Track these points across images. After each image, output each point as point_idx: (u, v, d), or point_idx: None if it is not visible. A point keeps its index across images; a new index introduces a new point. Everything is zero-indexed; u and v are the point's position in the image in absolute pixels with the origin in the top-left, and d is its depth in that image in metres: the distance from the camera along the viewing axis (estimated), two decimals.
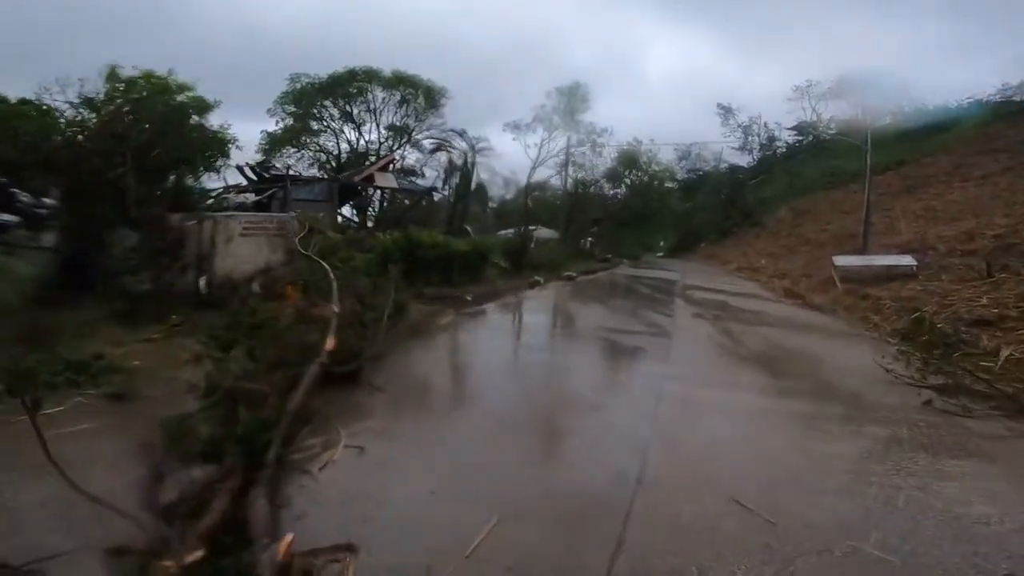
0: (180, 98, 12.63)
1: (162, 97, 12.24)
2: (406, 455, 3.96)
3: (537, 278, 15.81)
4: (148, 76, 12.59)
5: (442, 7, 63.14)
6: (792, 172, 45.05)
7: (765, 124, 50.62)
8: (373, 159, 28.45)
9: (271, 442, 3.41)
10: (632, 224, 44.67)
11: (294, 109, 31.48)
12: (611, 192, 42.40)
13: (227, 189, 16.80)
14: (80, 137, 10.67)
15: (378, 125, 32.00)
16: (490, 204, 41.95)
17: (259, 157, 28.96)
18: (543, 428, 4.81)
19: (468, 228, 17.84)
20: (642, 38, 73.59)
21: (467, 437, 4.40)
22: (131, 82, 12.75)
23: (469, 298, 11.29)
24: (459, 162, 24.43)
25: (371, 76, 31.02)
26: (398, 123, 31.94)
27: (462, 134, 25.82)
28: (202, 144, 12.49)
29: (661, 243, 46.11)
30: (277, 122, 30.56)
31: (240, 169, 16.88)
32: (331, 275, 8.00)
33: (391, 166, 20.59)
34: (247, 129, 32.24)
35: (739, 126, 50.50)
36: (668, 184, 45.55)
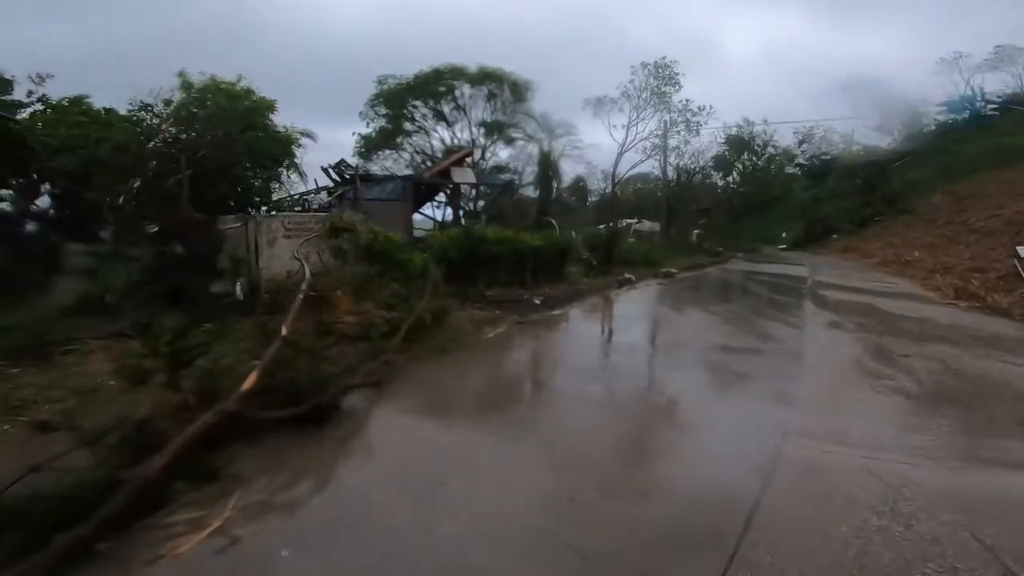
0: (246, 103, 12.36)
1: (230, 102, 12.02)
2: (304, 555, 2.42)
3: (628, 276, 13.70)
4: (216, 83, 12.48)
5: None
6: (947, 152, 37.90)
7: (906, 100, 43.06)
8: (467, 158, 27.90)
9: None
10: (747, 214, 40.23)
11: (386, 111, 31.74)
12: (720, 179, 38.44)
13: (317, 190, 16.81)
14: (140, 143, 10.53)
15: (469, 122, 31.28)
16: (590, 198, 40.05)
17: (355, 160, 29.59)
18: (574, 525, 3.02)
19: (553, 222, 16.06)
20: (725, 15, 66.26)
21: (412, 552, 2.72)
22: (203, 88, 12.70)
23: (538, 301, 9.60)
24: (538, 150, 22.77)
25: (457, 73, 30.36)
26: (488, 119, 30.97)
27: (537, 120, 24.12)
28: (267, 144, 12.06)
29: (783, 235, 40.93)
30: (368, 124, 30.88)
31: (325, 170, 16.61)
32: (306, 270, 6.72)
33: (468, 160, 19.37)
34: (337, 134, 32.99)
35: (873, 105, 43.29)
36: (789, 170, 40.45)
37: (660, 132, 26.75)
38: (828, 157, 44.55)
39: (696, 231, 32.86)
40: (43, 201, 11.40)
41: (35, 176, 10.38)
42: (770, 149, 36.89)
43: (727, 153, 37.05)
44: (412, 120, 32.53)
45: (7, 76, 11.14)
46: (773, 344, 7.38)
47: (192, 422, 3.30)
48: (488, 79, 30.67)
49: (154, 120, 12.08)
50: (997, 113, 39.06)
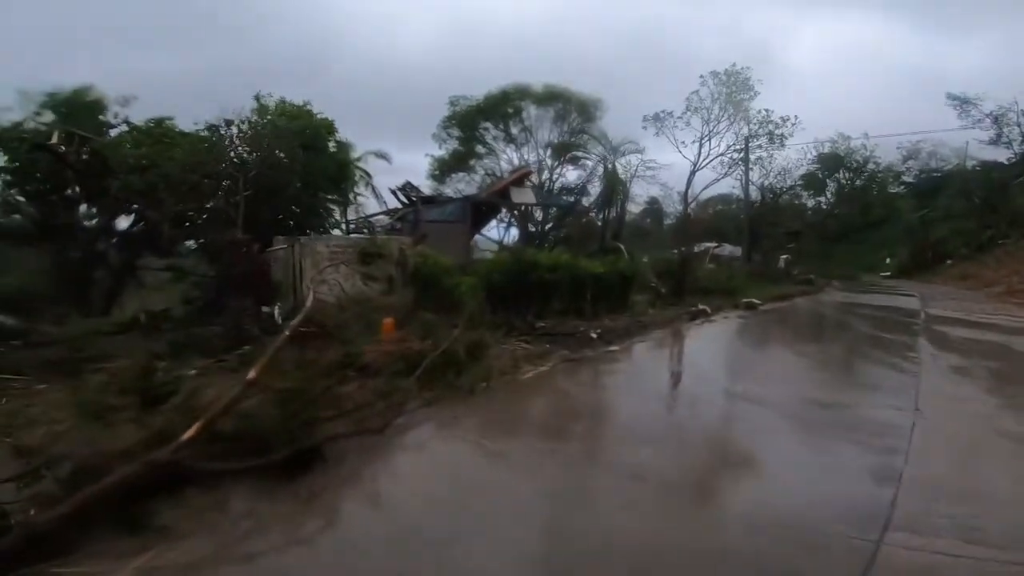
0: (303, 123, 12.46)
1: (290, 122, 12.14)
2: None
3: (702, 307, 12.30)
4: (283, 105, 12.71)
5: (550, 13, 59.43)
6: None
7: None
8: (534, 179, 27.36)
9: None
10: (844, 238, 36.60)
11: (459, 133, 31.99)
12: (811, 199, 35.24)
13: (381, 213, 16.94)
14: (208, 163, 10.72)
15: (536, 143, 30.83)
16: (666, 221, 38.20)
17: (429, 183, 29.93)
18: None
19: (621, 246, 14.99)
20: (808, 17, 60.90)
21: None
22: (273, 111, 12.97)
23: (595, 335, 8.58)
24: (601, 169, 21.72)
25: (523, 93, 30.06)
26: (556, 140, 30.36)
27: (600, 139, 23.04)
28: (325, 164, 12.02)
29: (887, 261, 36.87)
30: (440, 145, 31.18)
31: (394, 193, 16.63)
32: (309, 298, 6.15)
33: (529, 180, 18.68)
34: (413, 157, 33.57)
35: (987, 116, 38.06)
36: (893, 189, 36.37)
37: (739, 146, 24.79)
38: (939, 174, 39.90)
39: (784, 256, 30.20)
40: (125, 220, 12.00)
41: (115, 194, 10.70)
42: (871, 166, 33.32)
43: (820, 172, 33.95)
44: (483, 143, 32.61)
45: (98, 97, 11.91)
46: (880, 398, 5.92)
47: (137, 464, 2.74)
48: (555, 98, 30.16)
49: (226, 141, 12.37)
50: None
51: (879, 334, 10.26)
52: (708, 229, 35.13)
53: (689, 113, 26.27)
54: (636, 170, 27.72)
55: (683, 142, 26.71)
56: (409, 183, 15.77)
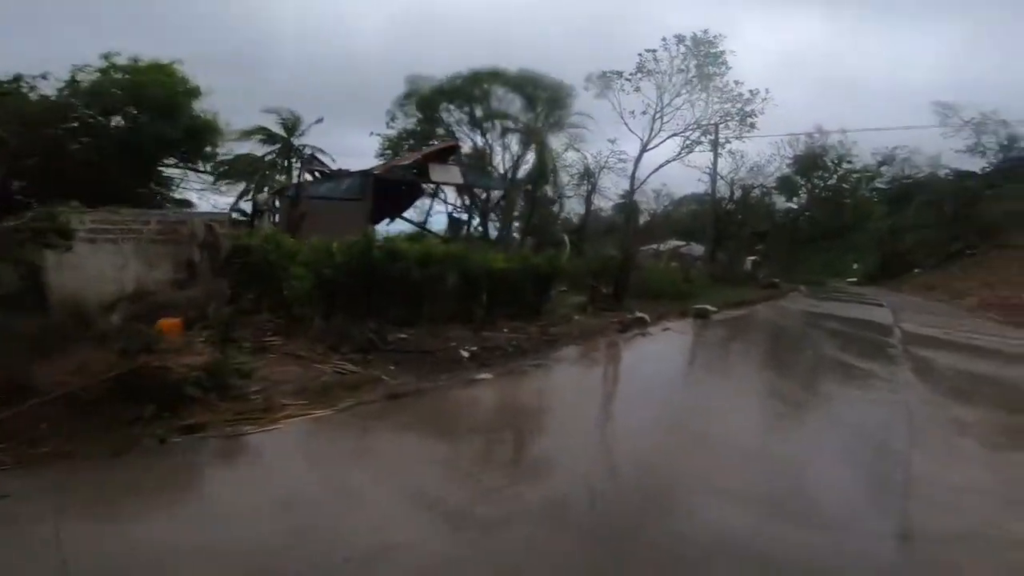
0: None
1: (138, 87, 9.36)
2: None
3: (640, 315, 9.81)
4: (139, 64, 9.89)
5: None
6: None
7: (1004, 121, 35.82)
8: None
9: None
10: (813, 242, 34.69)
11: (418, 114, 29.02)
12: (784, 202, 33.07)
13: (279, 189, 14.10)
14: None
15: (501, 127, 28.02)
16: (642, 217, 35.81)
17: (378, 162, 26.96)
18: None
19: (566, 238, 12.47)
20: (779, 19, 58.26)
21: None
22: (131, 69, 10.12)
23: (466, 354, 6.01)
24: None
25: (495, 76, 27.21)
26: (524, 125, 27.58)
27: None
28: (167, 132, 9.27)
29: (855, 266, 35.14)
30: (388, 123, 28.13)
31: (298, 168, 13.77)
32: None
33: (454, 155, 15.84)
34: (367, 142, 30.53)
35: (966, 123, 36.11)
36: (866, 192, 34.36)
37: (700, 125, 21.11)
38: (910, 181, 38.20)
39: (751, 258, 28.05)
40: None
41: None
42: (846, 165, 31.12)
43: (794, 174, 31.80)
44: (445, 126, 29.72)
45: None
46: (858, 459, 3.55)
47: None
48: (528, 83, 27.37)
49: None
50: None
51: (850, 362, 7.73)
52: (679, 228, 32.92)
53: (640, 76, 22.34)
54: (607, 162, 25.14)
55: (631, 112, 23.19)
56: (312, 155, 12.99)
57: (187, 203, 10.51)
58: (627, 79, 21.84)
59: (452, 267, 7.10)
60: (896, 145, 33.57)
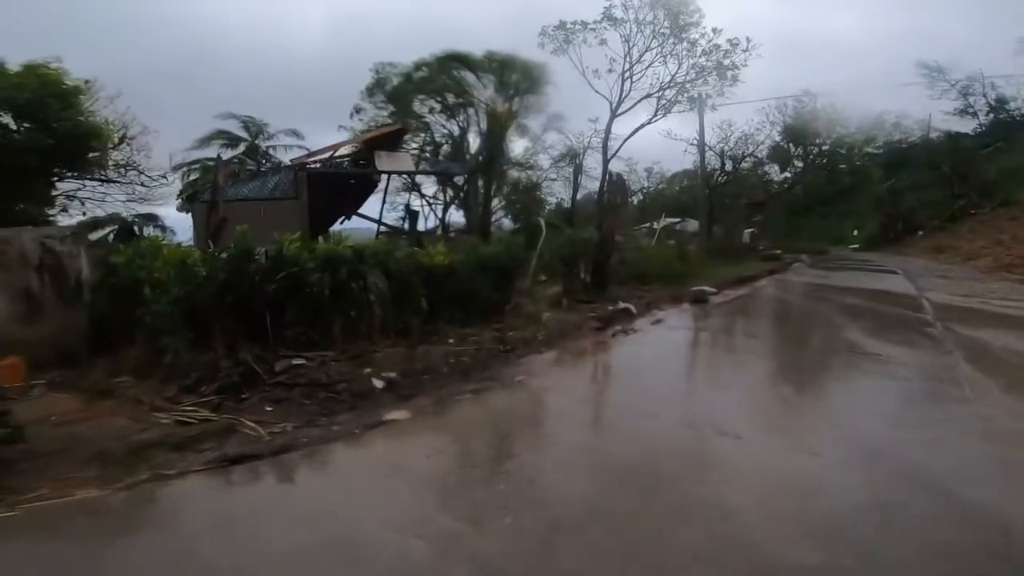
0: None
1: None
2: None
3: (625, 306, 8.17)
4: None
5: None
6: None
7: (992, 83, 33.86)
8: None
9: None
10: (811, 209, 32.97)
11: (392, 108, 27.09)
12: (778, 173, 31.21)
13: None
14: None
15: (476, 114, 26.14)
16: (633, 196, 34.13)
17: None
18: None
19: (542, 222, 10.79)
20: None
21: None
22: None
23: (380, 385, 4.38)
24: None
25: (462, 60, 25.25)
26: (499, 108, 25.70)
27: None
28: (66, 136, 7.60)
29: (855, 232, 33.45)
30: (353, 114, 26.18)
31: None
32: None
33: (402, 140, 13.99)
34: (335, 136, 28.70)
35: (953, 86, 34.08)
36: (859, 159, 32.43)
37: (679, 83, 17.91)
38: (904, 146, 36.45)
39: (749, 230, 26.29)
40: None
41: None
42: (839, 128, 29.24)
43: (785, 144, 29.88)
44: (417, 116, 27.82)
45: None
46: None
47: None
48: (499, 65, 25.42)
49: None
50: None
51: (892, 355, 5.81)
52: (674, 205, 31.19)
53: (607, 26, 19.13)
54: (589, 141, 23.26)
55: (595, 71, 20.27)
56: (237, 158, 11.22)
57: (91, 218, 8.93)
58: (591, 29, 19.24)
59: (375, 268, 5.45)
60: (883, 110, 31.78)
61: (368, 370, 4.59)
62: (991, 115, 36.10)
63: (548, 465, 3.22)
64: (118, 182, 9.32)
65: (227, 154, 23.81)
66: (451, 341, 5.81)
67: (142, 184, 9.61)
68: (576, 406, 4.44)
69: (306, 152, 12.64)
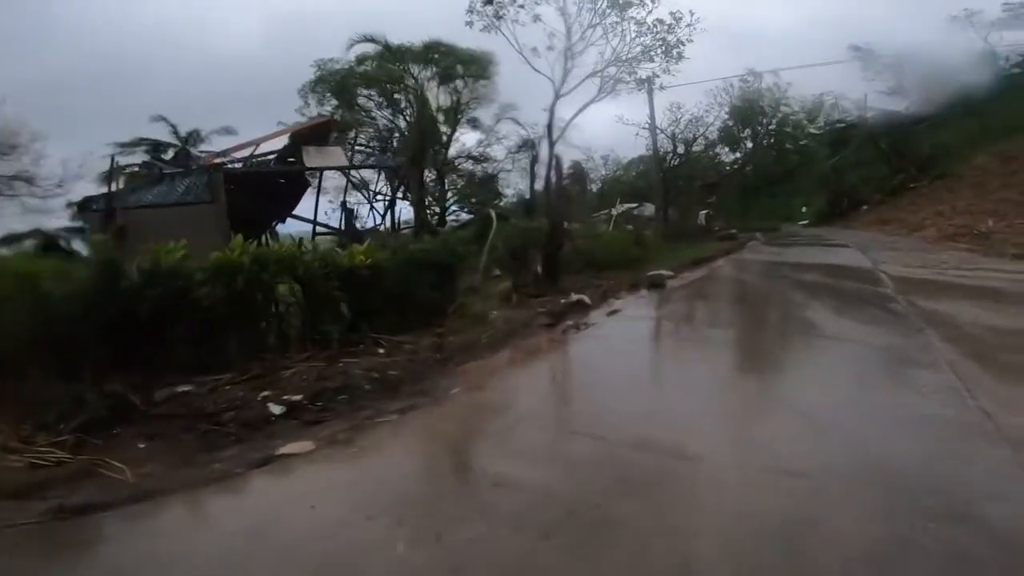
0: None
1: None
2: None
3: (578, 298, 7.55)
4: None
5: None
6: (976, 113, 30.85)
7: (922, 61, 35.06)
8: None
9: None
10: (760, 189, 33.45)
11: (334, 100, 25.64)
12: (728, 154, 31.40)
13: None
14: None
15: (421, 107, 25.01)
16: (592, 185, 33.74)
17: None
18: None
19: (492, 213, 10.06)
20: None
21: None
22: None
23: (277, 411, 3.57)
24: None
25: (402, 53, 24.01)
26: (445, 102, 24.59)
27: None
28: None
29: (803, 209, 34.30)
30: (299, 112, 24.67)
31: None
32: None
33: (331, 133, 12.91)
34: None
35: (885, 67, 35.13)
36: (812, 130, 32.99)
37: (623, 60, 16.70)
38: (843, 125, 37.50)
39: (704, 212, 26.27)
40: None
41: None
42: (783, 107, 29.60)
43: (734, 126, 30.00)
44: (365, 111, 26.44)
45: None
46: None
47: None
48: (440, 55, 24.30)
49: None
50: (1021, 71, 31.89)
51: (863, 338, 5.36)
52: (630, 190, 30.96)
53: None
54: (544, 130, 22.53)
55: (534, 48, 19.54)
56: (150, 162, 9.95)
57: None
58: (520, 6, 17.98)
59: (281, 274, 4.60)
60: (824, 91, 32.38)
61: (265, 393, 3.77)
62: (923, 94, 37.49)
63: (465, 512, 2.50)
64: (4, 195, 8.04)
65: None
66: (381, 351, 5.02)
67: (31, 195, 8.34)
68: (512, 424, 3.72)
69: (219, 152, 11.33)
